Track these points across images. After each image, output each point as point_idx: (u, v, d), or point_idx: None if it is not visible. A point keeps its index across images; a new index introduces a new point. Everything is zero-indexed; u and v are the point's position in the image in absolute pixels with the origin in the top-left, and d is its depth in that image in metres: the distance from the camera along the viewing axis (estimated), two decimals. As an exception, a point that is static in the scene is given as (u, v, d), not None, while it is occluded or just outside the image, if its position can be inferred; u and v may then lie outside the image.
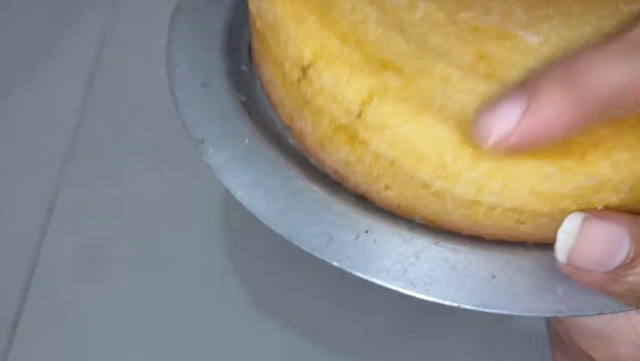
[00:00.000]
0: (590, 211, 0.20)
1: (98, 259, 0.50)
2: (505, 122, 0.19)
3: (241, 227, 0.51)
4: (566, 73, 0.19)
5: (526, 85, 0.20)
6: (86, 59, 0.59)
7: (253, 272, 0.50)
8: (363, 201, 0.23)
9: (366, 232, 0.22)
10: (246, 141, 0.24)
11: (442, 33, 0.22)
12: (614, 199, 0.20)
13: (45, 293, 0.48)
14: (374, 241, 0.21)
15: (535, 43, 0.22)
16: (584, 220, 0.20)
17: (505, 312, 0.20)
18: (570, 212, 0.20)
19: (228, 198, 0.34)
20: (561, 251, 0.20)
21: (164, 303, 0.48)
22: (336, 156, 0.23)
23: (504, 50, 0.22)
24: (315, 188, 0.22)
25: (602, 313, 0.21)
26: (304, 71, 0.21)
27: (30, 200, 0.52)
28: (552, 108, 0.19)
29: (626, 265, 0.19)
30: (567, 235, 0.20)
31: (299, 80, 0.22)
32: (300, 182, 0.23)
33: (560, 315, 0.21)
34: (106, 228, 0.51)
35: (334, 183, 0.23)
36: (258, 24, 0.24)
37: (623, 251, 0.19)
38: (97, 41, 0.60)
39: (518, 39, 0.22)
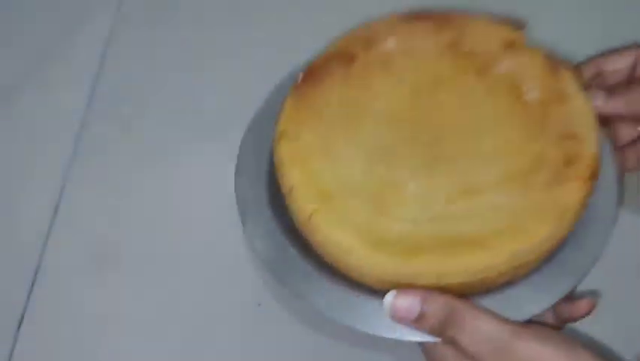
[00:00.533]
0: (400, 289, 0.38)
1: (102, 258, 0.50)
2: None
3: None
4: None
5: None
6: (91, 60, 0.58)
7: (258, 272, 0.51)
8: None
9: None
10: (268, 214, 0.44)
11: (363, 179, 0.41)
12: (432, 280, 0.39)
13: (50, 292, 0.48)
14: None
15: (412, 189, 0.41)
16: (395, 296, 0.38)
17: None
18: (405, 284, 0.39)
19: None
20: (385, 310, 0.38)
21: (168, 302, 0.49)
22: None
23: (394, 192, 0.41)
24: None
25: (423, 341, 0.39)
26: (290, 190, 0.42)
27: (36, 200, 0.52)
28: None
29: (421, 316, 0.38)
30: (386, 303, 0.38)
31: (287, 194, 0.42)
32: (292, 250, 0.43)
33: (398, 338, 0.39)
34: (110, 227, 0.51)
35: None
36: (275, 156, 0.44)
37: (415, 309, 0.38)
38: (102, 43, 0.59)
39: (406, 186, 0.41)
